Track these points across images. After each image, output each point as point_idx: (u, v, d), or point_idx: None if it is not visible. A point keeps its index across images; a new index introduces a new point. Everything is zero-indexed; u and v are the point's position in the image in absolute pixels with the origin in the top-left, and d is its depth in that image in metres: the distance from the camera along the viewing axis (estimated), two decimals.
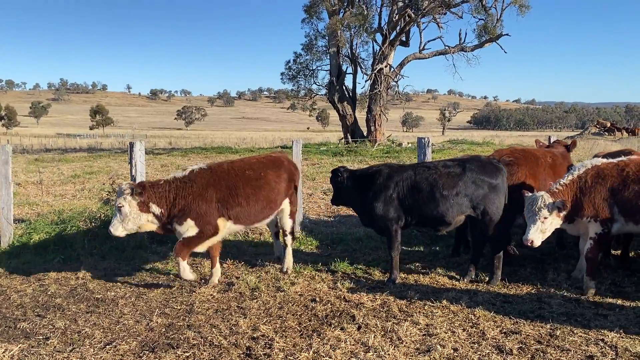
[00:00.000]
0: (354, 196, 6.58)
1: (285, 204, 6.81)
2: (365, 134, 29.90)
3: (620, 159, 6.16)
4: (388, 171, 6.38)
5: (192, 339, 4.81)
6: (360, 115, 31.57)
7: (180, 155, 26.86)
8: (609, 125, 55.29)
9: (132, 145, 8.00)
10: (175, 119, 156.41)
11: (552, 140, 9.51)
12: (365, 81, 29.81)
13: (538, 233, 5.80)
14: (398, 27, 28.06)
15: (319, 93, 32.43)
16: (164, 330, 5.04)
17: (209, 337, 4.82)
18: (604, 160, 6.16)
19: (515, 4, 26.83)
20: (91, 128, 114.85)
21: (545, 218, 5.80)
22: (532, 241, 5.78)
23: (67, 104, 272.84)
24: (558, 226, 6.00)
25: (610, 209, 5.84)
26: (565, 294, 5.92)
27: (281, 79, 32.03)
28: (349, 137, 29.82)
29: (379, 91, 28.60)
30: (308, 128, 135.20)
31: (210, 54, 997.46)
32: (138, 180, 7.68)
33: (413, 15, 26.74)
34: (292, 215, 6.98)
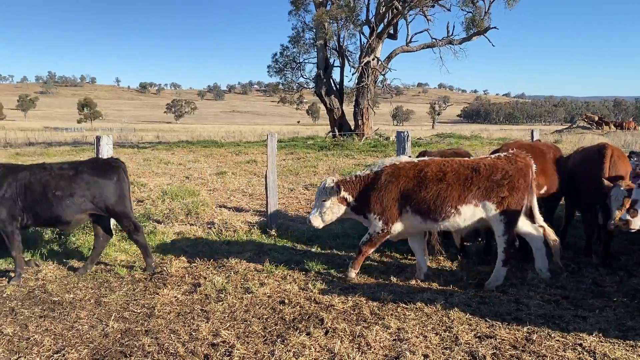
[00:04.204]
0: None
1: None
2: (352, 127, 29.60)
3: (422, 158, 6.25)
4: (3, 171, 6.27)
5: (148, 345, 4.52)
6: (348, 109, 31.23)
7: (165, 149, 26.42)
8: (597, 119, 55.40)
9: (98, 139, 7.66)
10: (165, 112, 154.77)
11: (534, 136, 9.30)
12: (353, 74, 29.49)
13: (317, 215, 6.25)
14: (385, 20, 27.72)
15: (307, 86, 32.01)
16: (119, 336, 4.74)
17: (166, 344, 4.53)
18: (405, 159, 6.23)
19: None
20: (79, 121, 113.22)
21: (323, 201, 6.20)
22: (310, 221, 6.28)
23: (55, 97, 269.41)
24: (342, 213, 6.27)
25: (399, 210, 5.97)
26: (544, 294, 5.69)
27: (268, 71, 31.53)
28: (337, 130, 29.50)
29: (367, 84, 28.29)
30: (299, 122, 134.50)
31: (201, 47, 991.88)
32: None
33: (400, 8, 26.41)
34: None
